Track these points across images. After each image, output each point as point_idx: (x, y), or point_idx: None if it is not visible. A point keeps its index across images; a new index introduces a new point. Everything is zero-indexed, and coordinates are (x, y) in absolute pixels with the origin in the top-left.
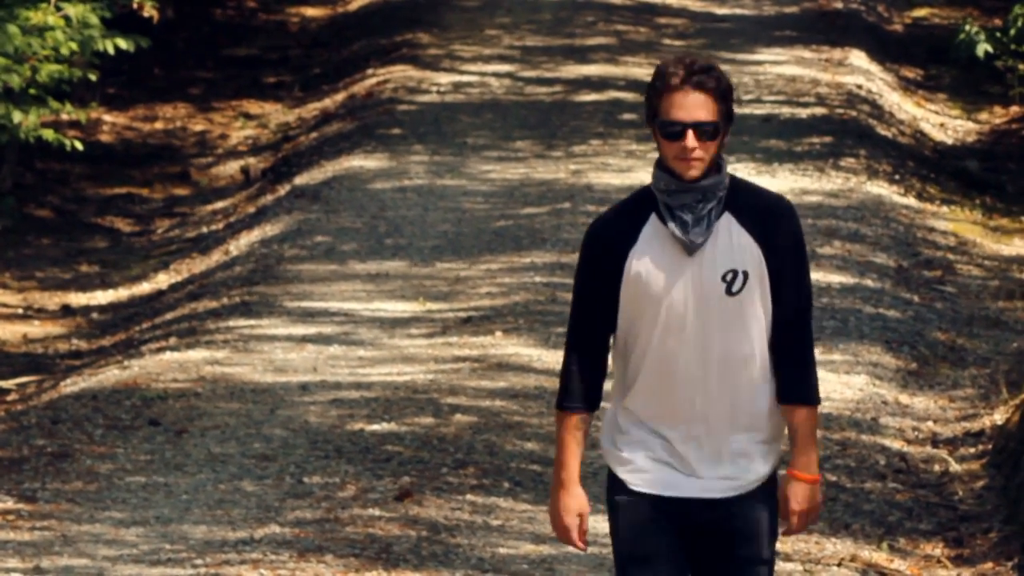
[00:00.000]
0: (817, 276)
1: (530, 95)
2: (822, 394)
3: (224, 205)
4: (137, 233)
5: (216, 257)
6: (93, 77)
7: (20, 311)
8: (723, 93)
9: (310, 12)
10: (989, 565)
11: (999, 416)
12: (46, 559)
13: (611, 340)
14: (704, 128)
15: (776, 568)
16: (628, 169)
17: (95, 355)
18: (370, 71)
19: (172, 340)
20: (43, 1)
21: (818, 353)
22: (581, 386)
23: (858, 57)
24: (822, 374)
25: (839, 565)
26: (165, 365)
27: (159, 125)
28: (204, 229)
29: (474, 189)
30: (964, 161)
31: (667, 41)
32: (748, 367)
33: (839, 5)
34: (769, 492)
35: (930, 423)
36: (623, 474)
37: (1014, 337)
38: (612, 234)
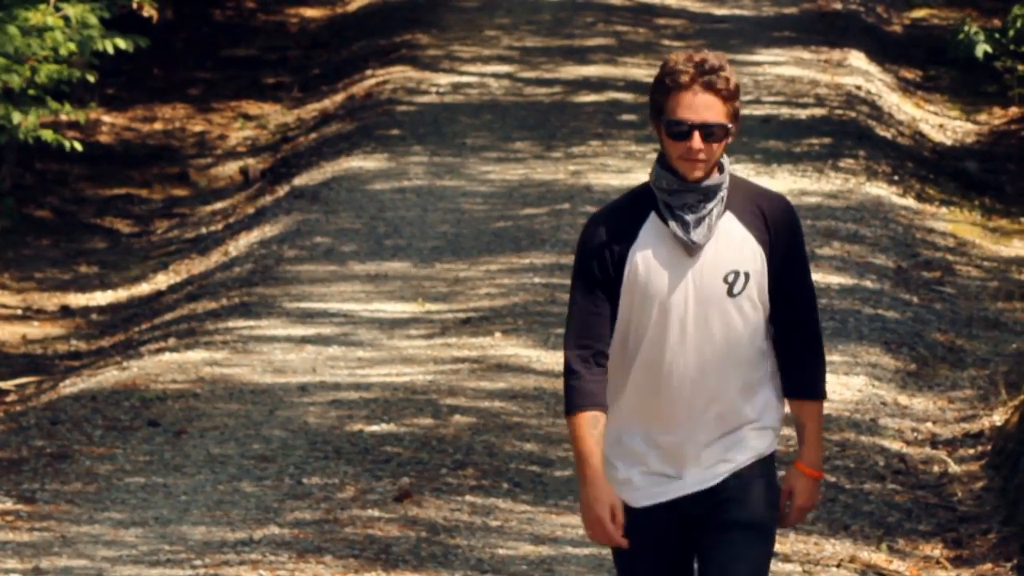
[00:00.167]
0: (816, 277)
1: (529, 96)
2: None
3: (223, 206)
4: (136, 234)
5: (215, 258)
6: (92, 78)
7: (19, 312)
8: (732, 94)
9: (309, 13)
10: (988, 566)
11: (998, 417)
12: (45, 560)
13: (611, 336)
14: (711, 130)
15: (775, 569)
16: (627, 170)
17: (94, 356)
18: (369, 72)
19: (171, 341)
20: (42, 1)
21: None
22: (588, 387)
23: (857, 58)
24: None
25: (838, 566)
26: (164, 366)
27: (158, 126)
28: (203, 230)
29: (473, 190)
30: (963, 162)
31: (666, 42)
32: (746, 367)
33: (838, 6)
34: (766, 465)
35: (929, 424)
36: (624, 495)
37: (1013, 338)
38: (611, 232)
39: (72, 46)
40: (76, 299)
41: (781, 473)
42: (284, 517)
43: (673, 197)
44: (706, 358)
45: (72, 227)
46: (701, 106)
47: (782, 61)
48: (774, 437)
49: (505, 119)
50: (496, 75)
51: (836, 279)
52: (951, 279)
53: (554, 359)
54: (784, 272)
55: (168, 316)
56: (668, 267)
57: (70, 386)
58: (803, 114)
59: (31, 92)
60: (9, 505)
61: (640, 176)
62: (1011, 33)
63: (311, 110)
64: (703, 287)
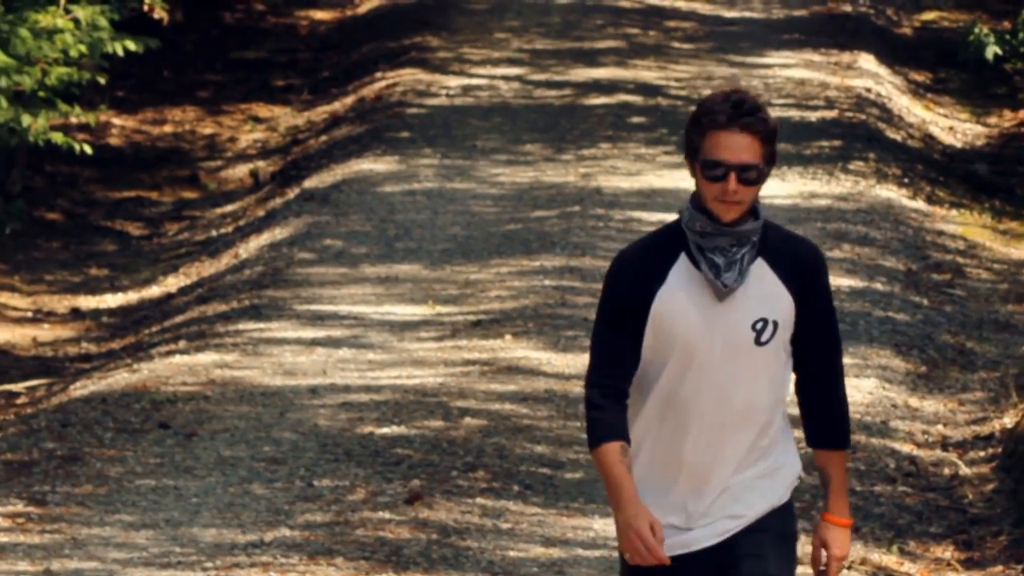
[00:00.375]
0: None
1: (539, 98)
2: None
3: (233, 208)
4: (146, 236)
5: (225, 260)
6: (102, 80)
7: (30, 314)
8: (769, 135)
9: (319, 15)
10: (999, 568)
11: (1009, 419)
12: (56, 562)
13: (634, 375)
14: (748, 172)
15: None
16: (637, 172)
17: (104, 358)
18: (379, 74)
19: (181, 343)
20: (52, 3)
21: None
22: (612, 420)
23: (867, 60)
24: None
25: (849, 568)
26: (174, 368)
27: (168, 128)
28: (213, 232)
29: (483, 192)
30: (973, 164)
31: (676, 44)
32: (766, 414)
33: (848, 9)
34: (782, 516)
35: (940, 426)
36: None
37: (1023, 341)
38: (639, 270)
39: (82, 48)
40: (86, 301)
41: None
42: (295, 519)
43: (705, 240)
44: (727, 407)
45: (82, 230)
46: (738, 147)
47: (792, 64)
48: (790, 485)
49: (515, 121)
50: (506, 77)
51: (846, 281)
52: (961, 281)
53: (564, 362)
54: (813, 322)
55: (178, 318)
56: (696, 311)
57: (80, 388)
58: (813, 116)
59: (41, 94)
60: (20, 507)
61: (649, 178)
62: (1021, 35)
63: (321, 112)
64: (730, 333)
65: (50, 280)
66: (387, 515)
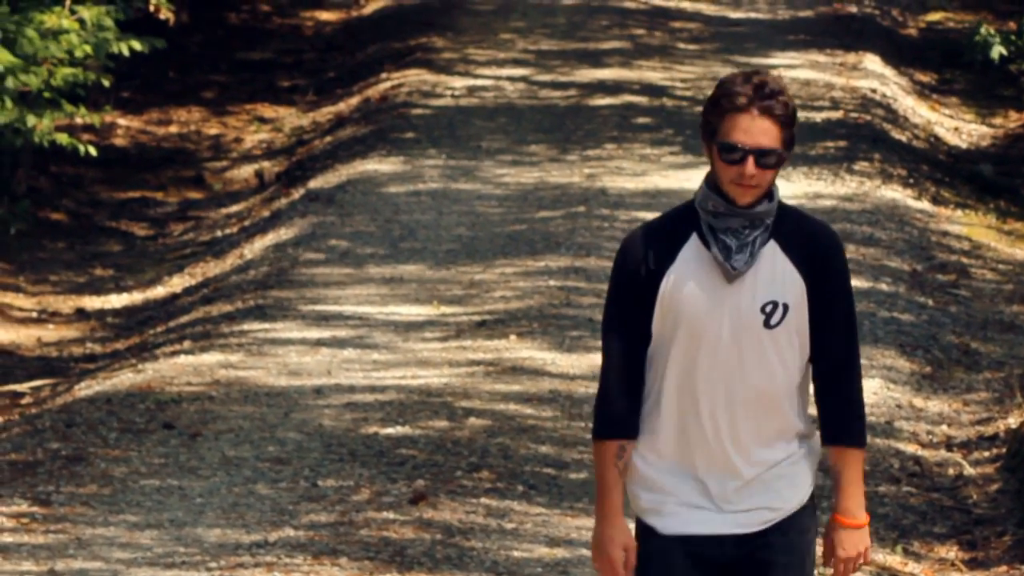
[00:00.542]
0: None
1: (544, 99)
2: None
3: (238, 209)
4: (151, 237)
5: (230, 261)
6: (107, 82)
7: (35, 315)
8: (789, 120)
9: (324, 16)
10: (1003, 568)
11: (1013, 420)
12: (60, 562)
13: (646, 356)
14: (766, 156)
15: None
16: (642, 173)
17: (109, 359)
18: (384, 75)
19: (186, 344)
20: (57, 4)
21: None
22: (618, 411)
23: (872, 61)
24: None
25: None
26: (179, 369)
27: (173, 129)
28: (218, 233)
29: (488, 193)
30: (978, 165)
31: (681, 45)
32: (779, 401)
33: (853, 9)
34: (807, 516)
35: (944, 427)
36: (651, 520)
37: None
38: (648, 250)
39: (87, 49)
40: (91, 302)
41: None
42: (299, 519)
43: (718, 220)
44: (737, 390)
45: (87, 230)
46: (757, 131)
47: (797, 64)
48: (812, 480)
49: (520, 122)
50: (511, 78)
51: (851, 282)
52: (966, 282)
53: (569, 362)
54: (826, 308)
55: (183, 319)
56: (705, 292)
57: (85, 389)
58: (818, 117)
59: (46, 95)
60: (24, 507)
61: (655, 179)
62: None
63: (326, 113)
64: (739, 316)
65: (55, 280)
66: (391, 515)
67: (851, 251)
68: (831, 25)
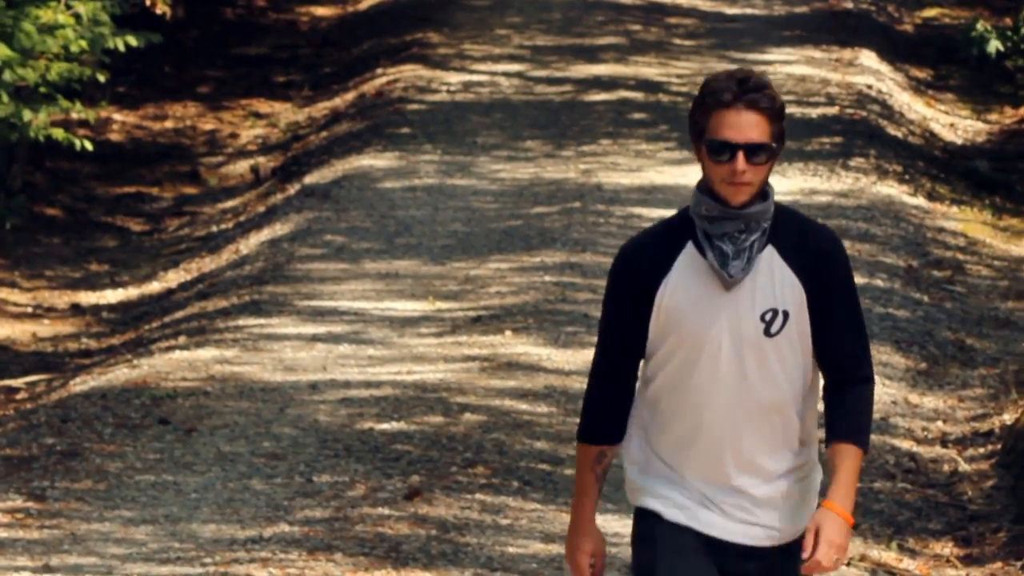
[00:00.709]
0: None
1: (540, 95)
2: None
3: (234, 204)
4: (147, 232)
5: (226, 256)
6: (103, 77)
7: (30, 310)
8: (777, 113)
9: (320, 11)
10: (998, 565)
11: (1008, 416)
12: (55, 557)
13: (639, 368)
14: (756, 150)
15: None
16: (638, 169)
17: (104, 354)
18: (380, 70)
19: (182, 339)
20: None
21: None
22: (604, 417)
23: (868, 57)
24: None
25: (848, 564)
26: (175, 364)
27: (169, 124)
28: (214, 228)
29: (484, 188)
30: (974, 161)
31: (677, 41)
32: (784, 412)
33: (849, 5)
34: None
35: (940, 423)
36: (660, 507)
37: (1023, 337)
38: (644, 260)
39: (83, 44)
40: (86, 297)
41: None
42: (294, 515)
43: (713, 225)
44: (741, 401)
45: (82, 225)
46: (745, 125)
47: (793, 60)
48: (816, 495)
49: (516, 118)
50: (507, 74)
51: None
52: (961, 278)
53: (564, 357)
54: (829, 312)
55: (178, 314)
56: (701, 301)
57: (80, 384)
58: (814, 113)
59: (42, 90)
60: (19, 503)
61: (650, 175)
62: (1022, 31)
63: (322, 108)
64: (739, 324)
65: (50, 276)
66: (386, 511)
67: (847, 247)
68: (827, 21)
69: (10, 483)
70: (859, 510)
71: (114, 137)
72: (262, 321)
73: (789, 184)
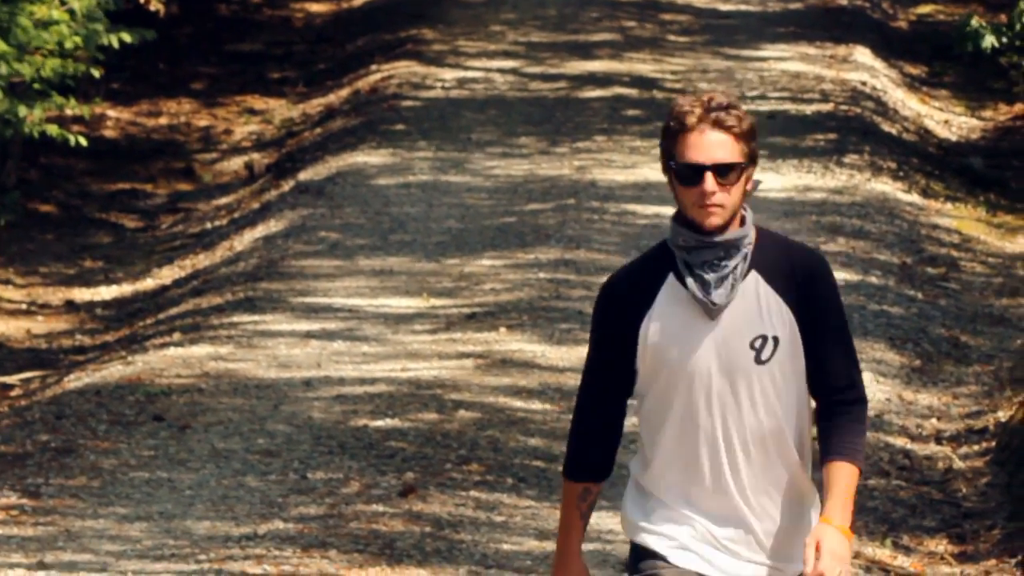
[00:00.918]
0: None
1: (534, 91)
2: None
3: (228, 201)
4: (141, 229)
5: (220, 253)
6: (97, 73)
7: (24, 306)
8: (745, 132)
9: (314, 7)
10: (993, 562)
11: (1003, 413)
12: (49, 554)
13: (626, 405)
14: (725, 170)
15: None
16: (632, 165)
17: (99, 350)
18: (374, 67)
19: (176, 336)
20: None
21: None
22: (589, 454)
23: (863, 54)
24: None
25: None
26: (169, 361)
27: (163, 120)
28: (208, 225)
29: (478, 185)
30: (968, 158)
31: (672, 37)
32: (782, 441)
33: (843, 1)
34: None
35: (934, 420)
36: (663, 549)
37: (1018, 334)
38: (626, 295)
39: (77, 40)
40: (81, 294)
41: None
42: (289, 512)
43: (692, 255)
44: (736, 431)
45: (77, 222)
46: (711, 145)
47: (787, 57)
48: None
49: (510, 114)
50: (501, 70)
51: (841, 275)
52: (956, 275)
53: (559, 354)
54: (819, 335)
55: (173, 311)
56: (687, 332)
57: (75, 381)
58: (808, 110)
59: (36, 86)
60: (14, 499)
61: (644, 171)
62: (1017, 28)
63: (316, 105)
64: (728, 354)
65: (44, 272)
66: (381, 508)
67: (841, 244)
68: (821, 17)
69: (5, 480)
70: (853, 509)
71: (108, 133)
72: (256, 318)
73: (783, 181)
